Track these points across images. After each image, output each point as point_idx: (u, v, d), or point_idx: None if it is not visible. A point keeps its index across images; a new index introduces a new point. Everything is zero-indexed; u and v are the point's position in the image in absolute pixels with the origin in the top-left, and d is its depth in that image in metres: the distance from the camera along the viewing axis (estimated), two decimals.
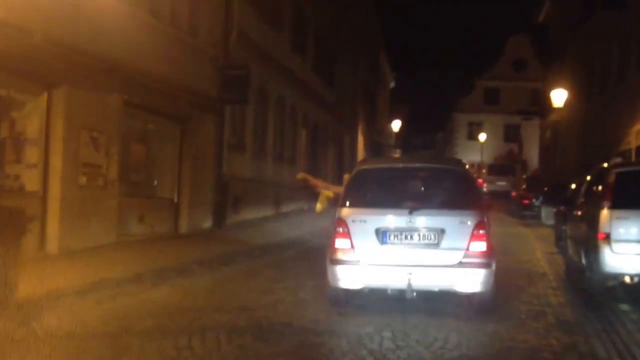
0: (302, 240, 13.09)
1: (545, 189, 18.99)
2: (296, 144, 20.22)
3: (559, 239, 12.10)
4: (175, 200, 12.51)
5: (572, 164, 22.23)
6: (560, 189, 18.18)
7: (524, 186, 20.74)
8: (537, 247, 13.00)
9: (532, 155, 47.56)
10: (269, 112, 17.14)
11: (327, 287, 6.46)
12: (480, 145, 52.38)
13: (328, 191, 9.29)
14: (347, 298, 6.50)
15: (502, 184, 31.92)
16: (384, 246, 6.13)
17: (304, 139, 21.43)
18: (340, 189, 7.42)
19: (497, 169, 32.79)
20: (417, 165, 7.13)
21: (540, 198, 19.44)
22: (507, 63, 54.79)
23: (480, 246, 6.07)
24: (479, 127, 54.88)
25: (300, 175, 10.70)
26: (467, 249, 6.03)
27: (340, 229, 6.17)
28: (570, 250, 9.15)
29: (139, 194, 11.65)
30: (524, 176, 26.16)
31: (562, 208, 11.64)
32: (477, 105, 55.73)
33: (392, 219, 6.16)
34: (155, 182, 12.23)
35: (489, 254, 6.13)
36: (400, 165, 7.37)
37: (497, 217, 20.45)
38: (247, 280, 8.33)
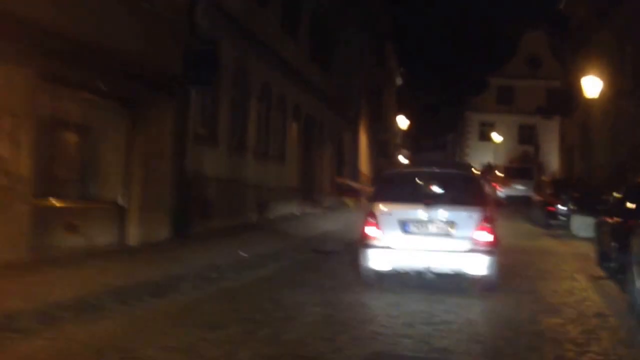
0: (285, 253, 10.52)
1: (576, 194, 16.26)
2: (285, 139, 17.63)
3: (605, 258, 9.45)
4: (122, 204, 9.97)
5: (604, 167, 19.50)
6: (594, 194, 15.50)
7: (549, 191, 17.93)
8: (576, 267, 10.35)
9: (550, 158, 44.82)
10: (251, 100, 14.57)
11: (360, 269, 7.76)
12: (493, 146, 49.63)
13: None
14: (377, 278, 7.68)
15: (520, 188, 29.14)
16: (406, 235, 7.39)
17: (294, 134, 18.84)
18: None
19: (514, 172, 30.00)
20: (434, 170, 8.37)
21: (570, 205, 16.71)
22: (521, 60, 52.30)
23: (486, 236, 7.26)
24: (491, 128, 52.31)
25: (340, 180, 9.34)
26: (474, 239, 7.23)
27: (371, 220, 7.50)
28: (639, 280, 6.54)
29: (68, 196, 9.10)
30: (547, 179, 23.29)
31: (612, 219, 9.00)
32: (490, 105, 53.19)
33: (412, 212, 7.38)
34: (92, 182, 9.65)
35: (493, 243, 7.33)
36: (419, 170, 8.57)
37: (519, 227, 17.73)
38: (173, 324, 5.74)
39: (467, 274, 7.39)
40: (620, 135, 20.08)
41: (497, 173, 32.60)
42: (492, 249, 7.30)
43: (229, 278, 8.14)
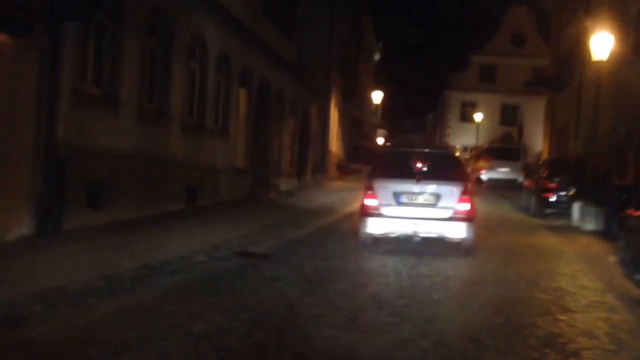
0: (191, 260, 7.43)
1: (579, 178, 13.42)
2: (229, 109, 14.42)
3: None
4: None
5: (605, 146, 16.68)
6: (602, 179, 12.67)
7: (544, 174, 15.06)
8: (596, 277, 7.47)
9: (534, 140, 42.39)
10: (175, 54, 11.30)
11: (359, 234, 8.93)
12: (474, 127, 47.04)
13: None
14: (373, 242, 8.93)
15: (504, 170, 26.26)
16: (399, 205, 8.61)
17: (244, 103, 15.63)
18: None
19: (497, 152, 27.00)
20: (423, 149, 9.71)
21: (570, 190, 13.89)
22: (505, 37, 49.85)
23: (465, 207, 8.54)
24: (473, 108, 49.82)
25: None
26: (456, 209, 8.49)
27: (370, 192, 8.69)
28: None
29: None
30: (540, 161, 20.28)
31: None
32: (471, 84, 50.81)
33: (405, 186, 8.61)
34: None
35: (471, 212, 8.60)
36: (411, 150, 9.77)
37: (509, 217, 14.85)
38: None
39: (448, 237, 8.58)
40: (621, 109, 17.31)
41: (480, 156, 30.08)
42: (470, 217, 8.52)
43: (80, 307, 5.00)
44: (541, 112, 37.54)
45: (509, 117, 50.03)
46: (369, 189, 8.67)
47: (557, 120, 26.11)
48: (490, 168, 26.39)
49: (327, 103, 27.27)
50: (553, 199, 14.40)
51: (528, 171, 18.35)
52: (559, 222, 13.81)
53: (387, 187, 8.56)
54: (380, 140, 56.88)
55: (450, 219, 8.42)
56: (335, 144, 30.76)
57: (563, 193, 14.38)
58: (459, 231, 8.45)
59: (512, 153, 26.80)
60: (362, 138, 43.12)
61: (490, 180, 26.35)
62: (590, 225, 12.46)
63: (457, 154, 10.64)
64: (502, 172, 26.31)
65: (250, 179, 16.05)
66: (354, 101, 36.53)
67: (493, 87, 49.36)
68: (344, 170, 27.75)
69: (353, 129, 39.44)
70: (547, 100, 32.58)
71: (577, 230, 12.53)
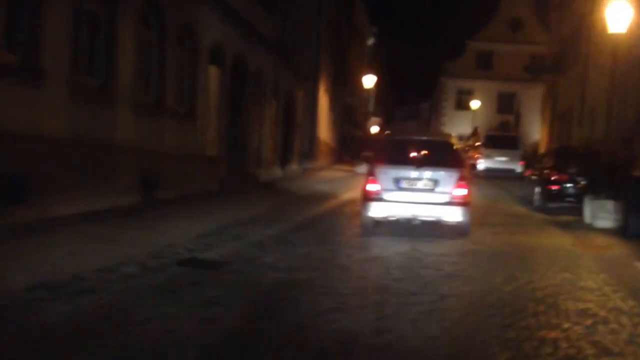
0: (119, 273, 5.80)
1: (591, 169, 11.86)
2: (197, 88, 12.73)
3: None
4: None
5: (610, 132, 15.09)
6: (619, 169, 11.11)
7: (551, 164, 13.46)
8: (629, 293, 5.90)
9: (531, 128, 41.00)
10: (122, 19, 9.58)
11: (361, 218, 9.28)
12: (470, 115, 45.53)
13: None
14: (374, 226, 9.17)
15: (503, 159, 24.65)
16: (399, 190, 8.89)
17: (215, 82, 13.93)
18: None
19: (496, 140, 25.35)
20: (422, 138, 10.36)
21: (580, 182, 12.34)
22: (502, 23, 48.53)
23: (461, 192, 8.81)
24: (469, 95, 48.44)
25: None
26: (452, 194, 8.79)
27: (372, 178, 8.97)
28: None
29: None
30: (546, 149, 18.62)
31: None
32: (468, 71, 49.50)
33: (405, 172, 8.90)
34: None
35: (467, 198, 8.89)
36: (411, 137, 10.23)
37: (510, 211, 13.28)
38: None
39: (446, 221, 8.95)
40: (630, 93, 15.77)
41: (477, 142, 28.63)
42: (466, 201, 8.89)
43: None
44: (538, 100, 36.27)
45: (506, 105, 48.84)
46: (371, 174, 9.04)
47: (559, 106, 24.52)
48: (487, 156, 24.79)
49: (316, 87, 25.59)
50: (560, 191, 12.82)
51: (530, 161, 16.76)
52: (567, 218, 12.24)
53: (388, 173, 8.92)
54: (374, 129, 55.31)
55: (448, 203, 8.79)
56: (324, 131, 29.10)
57: (571, 185, 12.82)
58: (455, 215, 8.84)
59: (510, 141, 25.18)
60: (354, 126, 41.49)
61: (487, 170, 24.78)
62: (604, 222, 10.92)
63: (454, 141, 10.24)
64: (500, 162, 24.70)
65: (225, 168, 14.40)
66: (345, 87, 34.82)
67: (490, 74, 48.26)
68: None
69: (345, 116, 37.80)
70: (546, 87, 31.06)
71: (589, 227, 10.97)
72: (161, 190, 11.12)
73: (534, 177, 14.66)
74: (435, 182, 8.82)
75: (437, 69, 51.61)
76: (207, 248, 7.38)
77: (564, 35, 23.90)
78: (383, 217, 9.02)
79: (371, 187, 8.91)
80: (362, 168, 25.29)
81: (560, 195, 12.83)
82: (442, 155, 9.15)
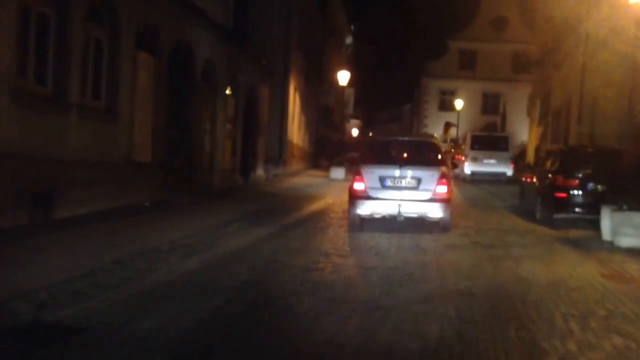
0: None
1: (610, 172, 9.56)
2: (119, 77, 10.15)
3: None
4: None
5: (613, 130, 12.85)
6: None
7: (557, 165, 11.12)
8: None
9: (516, 129, 39.12)
10: None
11: (348, 215, 9.61)
12: (454, 117, 43.62)
13: None
14: (361, 223, 9.46)
15: (491, 162, 22.34)
16: (384, 188, 9.27)
17: (146, 72, 11.37)
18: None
19: (483, 141, 23.04)
20: (405, 138, 11.42)
21: (594, 188, 10.07)
22: (485, 21, 47.14)
23: (443, 189, 9.20)
24: (452, 96, 46.62)
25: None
26: (434, 191, 9.16)
27: (358, 177, 9.35)
28: None
29: None
30: (548, 149, 16.13)
31: None
32: (450, 71, 47.95)
33: (389, 171, 9.28)
34: None
35: (448, 195, 9.32)
36: (395, 138, 11.41)
37: (511, 227, 10.88)
38: None
39: (429, 217, 9.35)
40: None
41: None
42: (447, 198, 9.29)
43: None
44: (524, 100, 34.54)
45: (491, 106, 47.31)
46: (357, 174, 9.40)
47: (553, 103, 22.29)
48: (473, 159, 22.49)
49: (285, 85, 23.13)
50: (569, 200, 10.49)
51: (519, 163, 14.48)
52: (579, 233, 9.93)
53: (374, 172, 9.26)
54: (354, 132, 53.03)
55: (430, 200, 9.15)
56: (297, 134, 26.64)
57: (582, 192, 10.51)
58: (437, 211, 9.19)
59: (499, 142, 22.89)
60: (332, 129, 39.12)
61: (474, 174, 22.49)
62: (629, 240, 8.63)
63: (436, 141, 10.82)
64: (488, 164, 22.41)
65: (161, 176, 11.86)
66: (321, 87, 32.43)
67: (473, 75, 46.83)
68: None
69: (322, 118, 35.38)
70: (533, 85, 29.03)
71: (611, 247, 8.64)
72: (63, 207, 8.55)
73: (532, 183, 12.30)
74: (418, 180, 9.18)
75: (419, 69, 49.82)
76: (71, 301, 4.87)
77: (556, 25, 21.72)
78: (369, 214, 9.38)
79: (358, 186, 9.28)
80: (338, 173, 23.07)
81: (569, 204, 10.49)
82: (425, 155, 9.85)
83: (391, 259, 7.35)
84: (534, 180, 12.15)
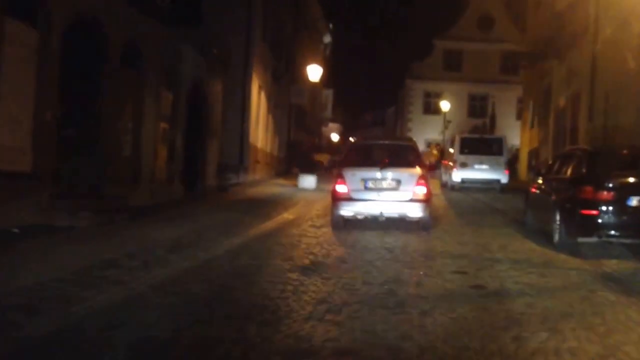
0: None
1: None
2: None
3: None
4: None
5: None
6: None
7: (582, 171, 8.12)
8: None
9: (507, 133, 36.68)
10: None
11: (332, 217, 9.93)
12: (440, 120, 41.15)
13: None
14: (344, 223, 9.83)
15: (483, 167, 19.44)
16: (366, 189, 9.62)
17: (24, 51, 8.22)
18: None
19: (475, 145, 20.12)
20: (386, 141, 11.86)
21: (635, 202, 7.15)
22: (471, 20, 45.01)
23: (421, 190, 9.54)
24: (437, 98, 44.24)
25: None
26: (414, 192, 9.52)
27: (340, 179, 9.67)
28: None
29: None
30: (563, 153, 12.87)
31: None
32: (435, 72, 45.76)
33: (370, 173, 9.65)
34: None
35: (427, 195, 9.62)
36: (376, 141, 12.19)
37: (521, 255, 7.80)
38: None
39: (409, 216, 9.64)
40: None
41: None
42: (426, 198, 9.58)
43: None
44: (513, 101, 32.16)
45: (478, 108, 45.12)
46: (339, 176, 9.75)
47: (555, 101, 19.46)
48: (463, 164, 19.61)
49: (247, 81, 20.08)
50: (602, 219, 7.55)
51: (538, 171, 11.62)
52: (620, 266, 6.99)
53: (355, 175, 9.63)
54: (333, 136, 50.18)
55: (410, 200, 9.49)
56: (263, 137, 23.57)
57: (615, 208, 7.58)
58: (417, 211, 9.53)
59: (492, 145, 20.00)
60: (307, 133, 36.17)
61: (464, 182, 19.61)
62: None
63: (414, 144, 10.92)
64: (480, 170, 19.51)
65: (47, 191, 8.71)
66: (293, 87, 29.45)
67: (459, 76, 44.70)
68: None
69: (296, 121, 32.39)
70: (525, 85, 26.51)
71: None
72: None
73: (544, 195, 9.35)
74: (398, 181, 9.54)
75: (403, 70, 47.47)
76: None
77: (556, 11, 18.98)
78: (352, 215, 9.68)
79: (340, 188, 9.61)
80: (308, 182, 20.07)
81: (601, 225, 7.54)
82: (405, 157, 10.12)
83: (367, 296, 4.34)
84: (547, 191, 9.19)
